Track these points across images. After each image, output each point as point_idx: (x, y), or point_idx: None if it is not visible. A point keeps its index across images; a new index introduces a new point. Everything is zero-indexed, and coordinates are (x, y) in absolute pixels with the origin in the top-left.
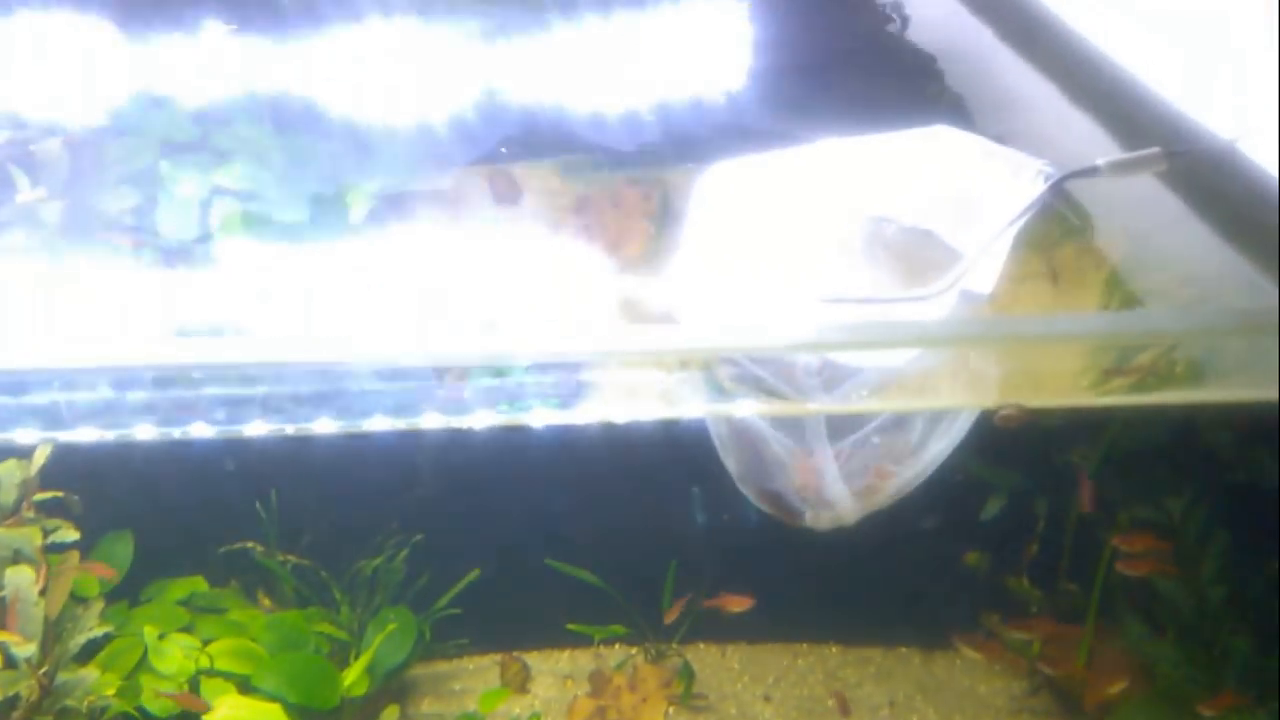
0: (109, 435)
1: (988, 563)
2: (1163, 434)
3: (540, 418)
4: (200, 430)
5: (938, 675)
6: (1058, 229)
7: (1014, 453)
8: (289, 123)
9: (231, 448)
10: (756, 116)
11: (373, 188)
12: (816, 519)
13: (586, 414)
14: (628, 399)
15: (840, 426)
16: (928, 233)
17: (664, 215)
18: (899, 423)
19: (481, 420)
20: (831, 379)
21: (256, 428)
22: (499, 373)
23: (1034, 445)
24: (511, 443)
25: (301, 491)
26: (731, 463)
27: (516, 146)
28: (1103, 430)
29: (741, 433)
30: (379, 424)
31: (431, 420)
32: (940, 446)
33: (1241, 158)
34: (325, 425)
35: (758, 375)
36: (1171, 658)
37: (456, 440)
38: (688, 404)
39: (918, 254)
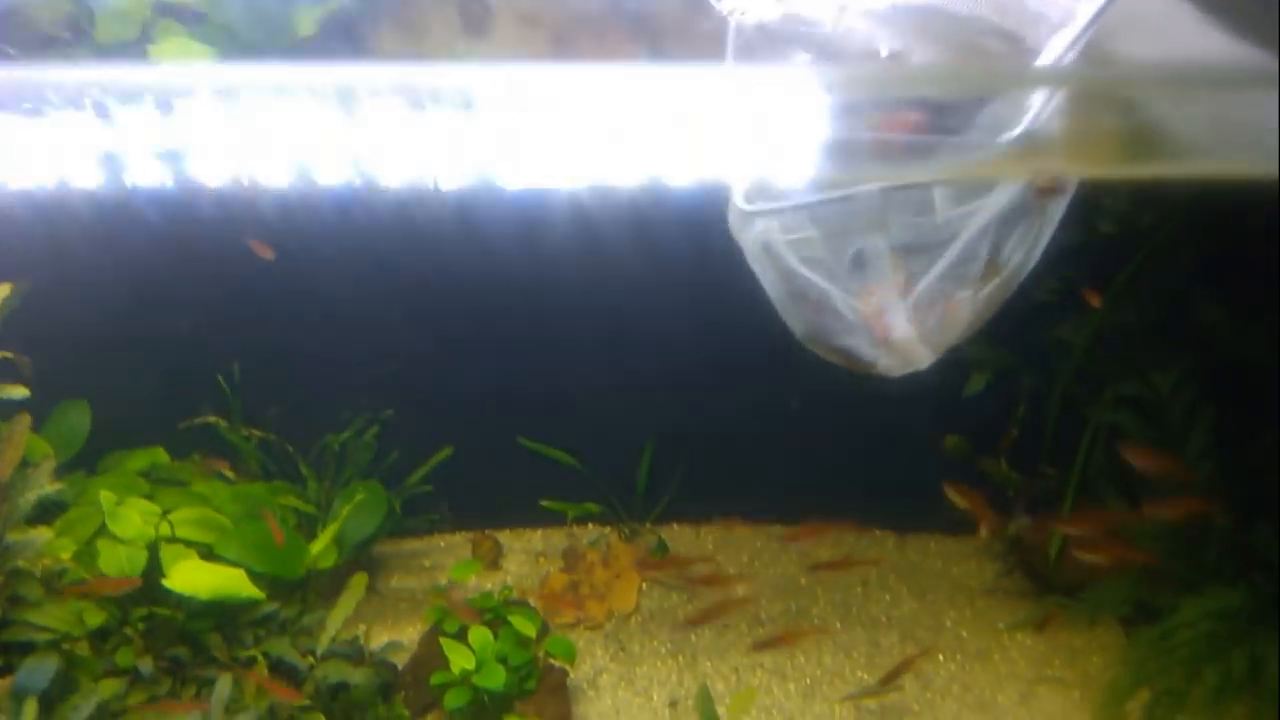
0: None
1: (968, 447)
2: (1154, 309)
3: None
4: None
5: (911, 558)
6: None
7: (1001, 329)
8: None
9: (195, 310)
10: None
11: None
12: (889, 366)
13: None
14: None
15: (907, 258)
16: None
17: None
18: (966, 248)
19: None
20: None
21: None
22: None
23: (1020, 321)
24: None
25: (267, 366)
26: (795, 324)
27: None
28: (1091, 308)
29: (800, 293)
30: None
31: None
32: (1019, 259)
33: None
34: None
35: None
36: (1152, 532)
37: (430, 307)
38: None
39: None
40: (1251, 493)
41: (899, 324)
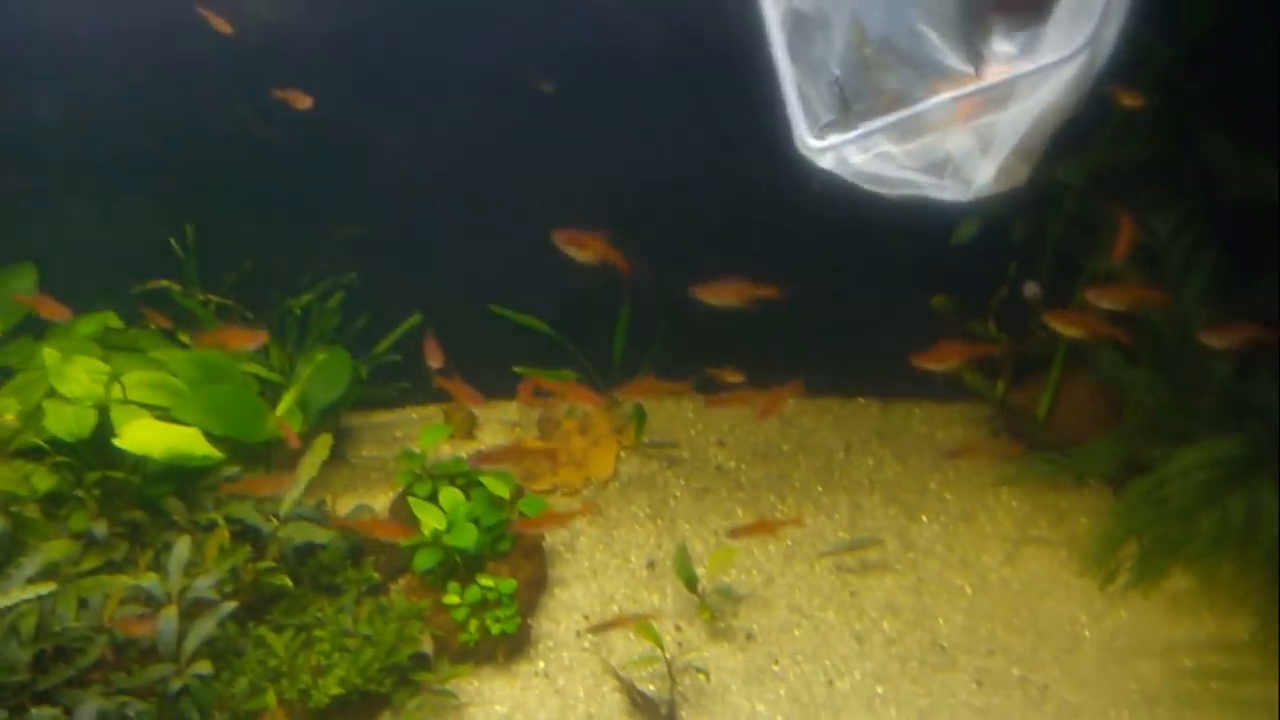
0: None
1: (955, 306)
2: (1153, 145)
3: None
4: None
5: (894, 423)
6: None
7: None
8: None
9: (146, 167)
10: None
11: None
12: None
13: None
14: None
15: None
16: None
17: None
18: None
19: None
20: None
21: None
22: None
23: None
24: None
25: (225, 227)
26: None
27: None
28: (1088, 143)
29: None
30: None
31: None
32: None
33: None
34: None
35: None
36: (1146, 384)
37: (397, 166)
38: None
39: None
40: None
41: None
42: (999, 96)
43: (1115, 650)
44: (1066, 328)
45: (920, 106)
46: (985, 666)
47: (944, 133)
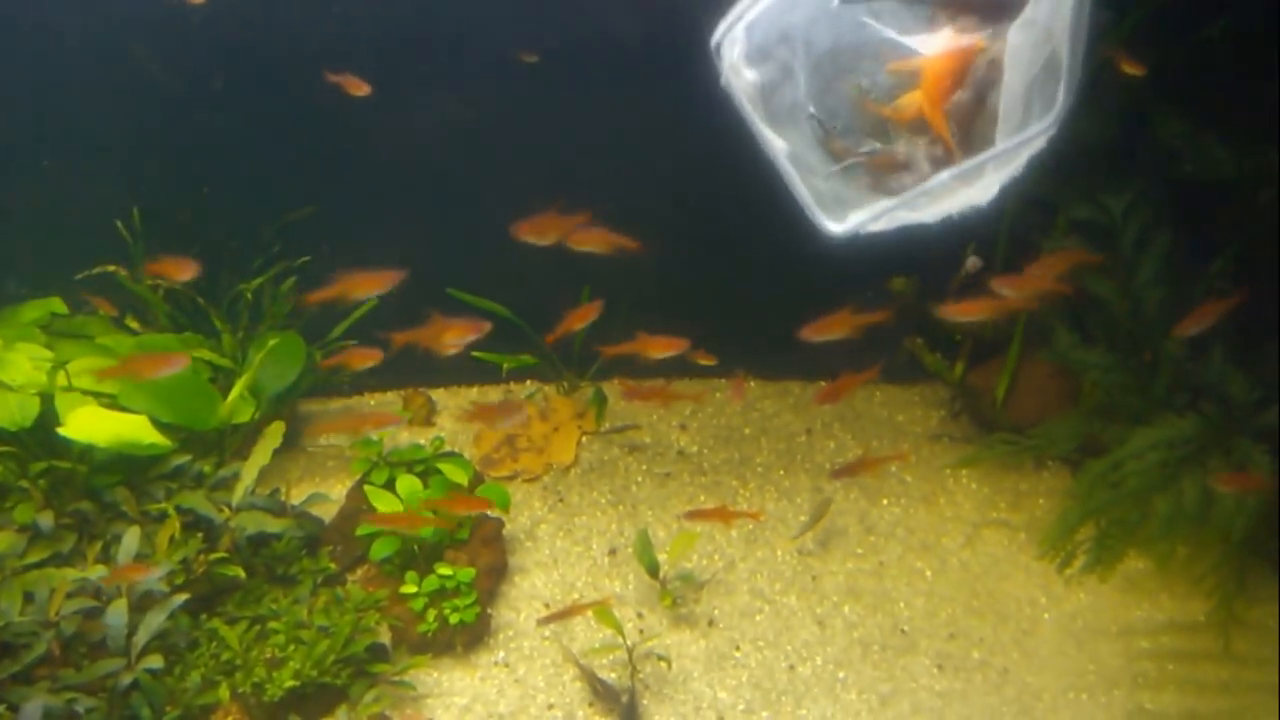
0: None
1: (914, 288)
2: (1107, 125)
3: None
4: None
5: (856, 406)
6: None
7: None
8: None
9: (91, 149)
10: None
11: None
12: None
13: None
14: None
15: None
16: None
17: None
18: None
19: None
20: None
21: None
22: None
23: None
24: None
25: (174, 210)
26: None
27: None
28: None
29: None
30: None
31: None
32: None
33: None
34: None
35: None
36: (1102, 364)
37: (349, 147)
38: None
39: None
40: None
41: None
42: (977, 170)
43: (1074, 632)
44: (957, 315)
45: (927, 185)
46: (946, 650)
47: (949, 198)
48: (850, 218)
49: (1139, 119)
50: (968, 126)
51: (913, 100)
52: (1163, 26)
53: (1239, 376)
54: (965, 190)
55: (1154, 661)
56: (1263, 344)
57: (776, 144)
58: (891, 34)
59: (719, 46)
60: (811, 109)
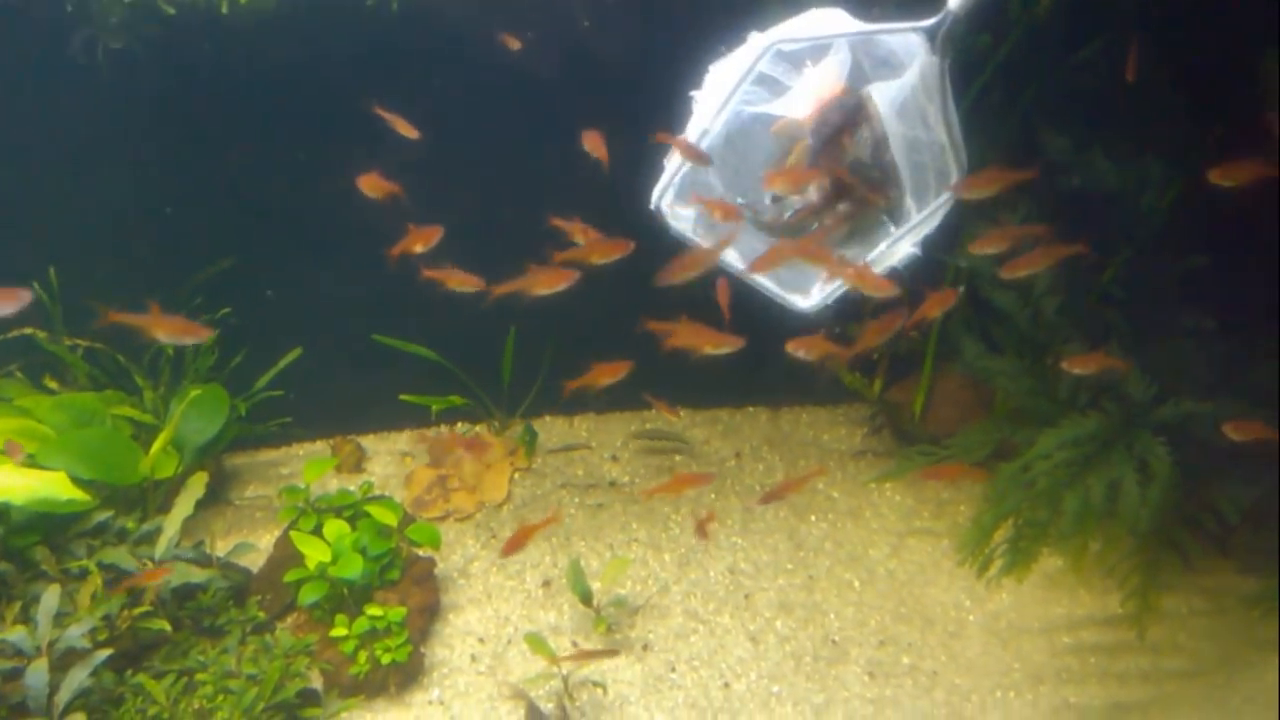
0: None
1: (831, 313)
2: (997, 140)
3: None
4: None
5: (783, 429)
6: None
7: None
8: None
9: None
10: None
11: None
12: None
13: None
14: None
15: None
16: None
17: None
18: None
19: None
20: None
21: None
22: None
23: None
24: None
25: (90, 267)
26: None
27: None
28: None
29: None
30: None
31: None
32: None
33: None
34: None
35: None
36: (1008, 371)
37: (267, 197)
38: None
39: None
40: (1098, 322)
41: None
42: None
43: (998, 632)
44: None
45: (873, 256)
46: (876, 657)
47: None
48: (813, 291)
49: (1027, 135)
50: (848, 154)
51: (800, 150)
52: (1041, 50)
53: (1136, 375)
54: (902, 247)
55: (1076, 656)
56: (1156, 343)
57: (735, 262)
58: (763, 107)
59: (657, 208)
60: (740, 200)
